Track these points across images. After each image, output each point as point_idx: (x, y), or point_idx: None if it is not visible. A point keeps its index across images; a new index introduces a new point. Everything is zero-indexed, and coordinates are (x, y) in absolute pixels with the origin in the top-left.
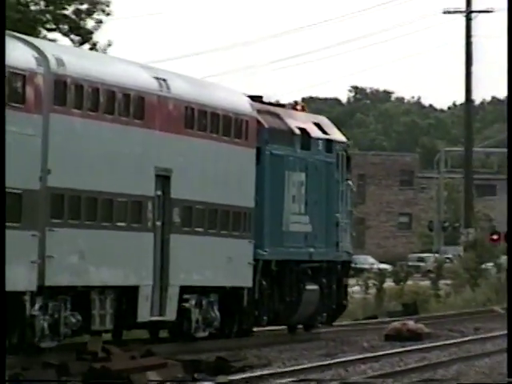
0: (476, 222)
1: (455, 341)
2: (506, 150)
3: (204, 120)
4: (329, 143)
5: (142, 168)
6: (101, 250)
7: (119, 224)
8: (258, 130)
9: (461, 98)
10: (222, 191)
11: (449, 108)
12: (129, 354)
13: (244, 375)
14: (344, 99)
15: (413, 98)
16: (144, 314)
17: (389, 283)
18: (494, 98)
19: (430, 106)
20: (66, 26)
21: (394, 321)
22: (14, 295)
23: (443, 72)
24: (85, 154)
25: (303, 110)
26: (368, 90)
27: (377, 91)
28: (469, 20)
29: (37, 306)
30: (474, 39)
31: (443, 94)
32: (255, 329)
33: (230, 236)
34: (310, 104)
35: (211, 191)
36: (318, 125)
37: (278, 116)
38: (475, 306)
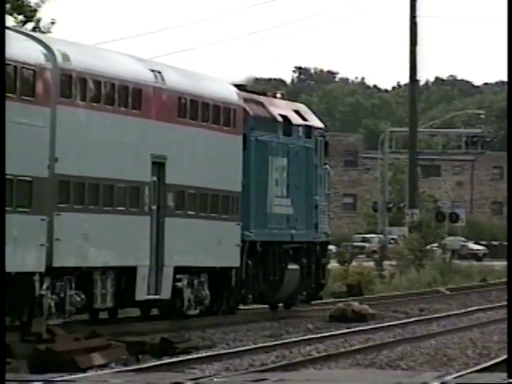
0: (421, 202)
1: (400, 322)
2: (450, 130)
3: (195, 109)
4: (308, 129)
5: (139, 155)
6: (102, 232)
7: (119, 208)
8: (244, 118)
9: (405, 79)
10: (211, 176)
11: (393, 88)
12: (73, 335)
13: (188, 357)
14: (288, 80)
15: (357, 78)
16: (141, 293)
17: (333, 264)
18: (437, 78)
19: (375, 86)
20: (8, 5)
21: (339, 302)
22: (25, 276)
23: (387, 52)
24: (88, 142)
25: (282, 97)
26: (312, 71)
27: (321, 72)
28: (413, 0)
29: (45, 286)
30: (418, 19)
31: (387, 74)
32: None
33: (219, 219)
34: (254, 85)
35: (202, 176)
36: (297, 112)
37: (261, 104)
38: (420, 287)
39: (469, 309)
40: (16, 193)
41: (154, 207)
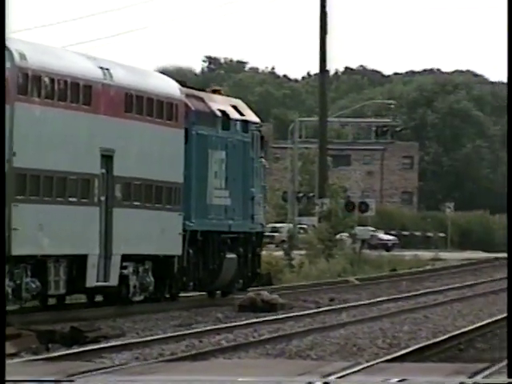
0: (331, 192)
1: (310, 311)
2: (360, 119)
3: (141, 105)
4: (245, 124)
5: (89, 149)
6: (56, 222)
7: (71, 199)
8: (186, 113)
9: (315, 68)
10: (156, 168)
11: (303, 78)
12: None
13: (98, 346)
14: (198, 69)
15: (267, 68)
16: (91, 280)
17: None
18: (347, 68)
19: (285, 76)
20: None
21: (248, 291)
22: None
23: (297, 42)
24: (43, 137)
25: (220, 93)
26: (222, 61)
27: (231, 61)
28: None
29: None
30: (328, 9)
31: (297, 64)
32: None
33: (162, 209)
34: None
35: (147, 168)
36: (235, 107)
37: (202, 100)
38: (330, 277)
39: (378, 299)
40: None
41: (103, 198)
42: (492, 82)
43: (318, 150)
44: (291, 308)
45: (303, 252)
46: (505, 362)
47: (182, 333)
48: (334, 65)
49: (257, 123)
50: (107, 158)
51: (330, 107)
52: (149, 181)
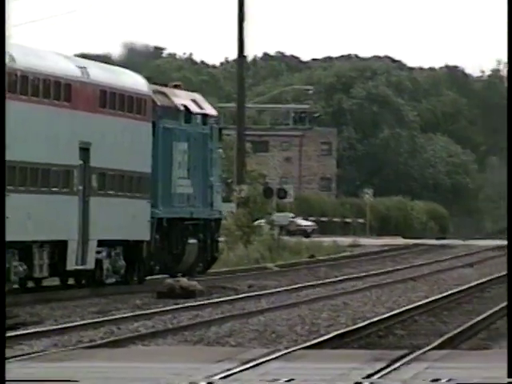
0: (249, 178)
1: (229, 298)
2: (278, 105)
3: (114, 100)
4: (204, 117)
5: (69, 142)
6: (41, 211)
7: (54, 189)
8: (153, 108)
9: (233, 54)
10: (127, 159)
11: (221, 64)
12: None
13: (16, 333)
14: (116, 55)
15: (185, 54)
16: (71, 263)
17: None
18: (265, 54)
19: (202, 62)
20: None
21: (167, 278)
22: None
23: (215, 28)
24: (29, 132)
25: (180, 88)
26: (139, 47)
27: (147, 47)
28: None
29: None
30: None
31: (215, 50)
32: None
33: (133, 197)
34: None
35: (119, 159)
36: (194, 101)
37: (166, 95)
38: (248, 263)
39: (297, 285)
40: None
41: (81, 188)
42: (410, 68)
43: (236, 136)
44: (210, 295)
45: (222, 238)
46: (424, 349)
47: (101, 319)
48: (252, 51)
49: (215, 116)
50: (84, 150)
51: (248, 93)
52: (121, 171)
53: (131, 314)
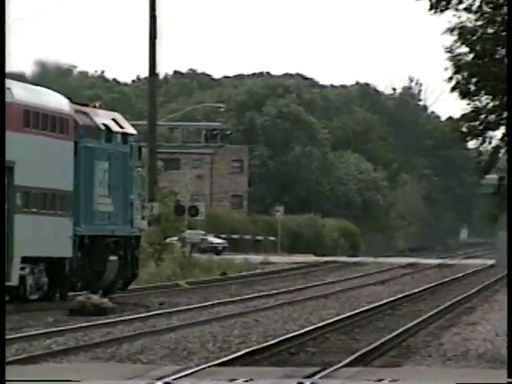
0: (161, 195)
1: (140, 315)
2: (189, 123)
3: (37, 120)
4: (124, 136)
5: None
6: None
7: None
8: (75, 127)
9: (145, 72)
10: (50, 178)
11: (133, 81)
12: None
13: None
14: (28, 73)
15: (96, 71)
16: None
17: None
18: (176, 71)
19: (114, 79)
20: None
21: (78, 295)
22: None
23: (127, 46)
24: None
25: (100, 107)
26: (51, 64)
27: (59, 65)
28: None
29: None
30: (157, 13)
31: (127, 67)
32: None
33: (56, 215)
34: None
35: (43, 178)
36: (115, 120)
37: (87, 114)
38: (160, 281)
39: (209, 302)
40: None
41: (6, 206)
42: (322, 86)
43: (148, 154)
44: (122, 312)
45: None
46: (336, 366)
47: (13, 336)
48: (164, 68)
49: (134, 135)
50: (9, 169)
51: (160, 111)
52: (44, 189)
53: (43, 330)
